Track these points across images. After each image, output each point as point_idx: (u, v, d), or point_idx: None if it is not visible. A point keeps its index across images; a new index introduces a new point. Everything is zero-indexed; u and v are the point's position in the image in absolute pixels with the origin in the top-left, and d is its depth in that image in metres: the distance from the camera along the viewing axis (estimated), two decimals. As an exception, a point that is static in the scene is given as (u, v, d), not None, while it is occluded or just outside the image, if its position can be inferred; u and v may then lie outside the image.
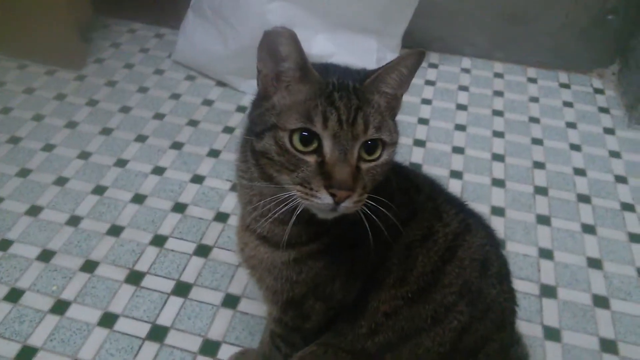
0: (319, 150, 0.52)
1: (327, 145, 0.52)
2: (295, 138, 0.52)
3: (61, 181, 1.16)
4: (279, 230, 0.61)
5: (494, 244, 0.67)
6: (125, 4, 1.65)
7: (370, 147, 0.53)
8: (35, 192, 1.13)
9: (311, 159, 0.52)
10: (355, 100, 0.52)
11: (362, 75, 0.55)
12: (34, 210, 1.09)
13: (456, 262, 0.62)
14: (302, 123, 0.52)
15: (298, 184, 0.52)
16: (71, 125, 1.31)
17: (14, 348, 0.87)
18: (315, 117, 0.51)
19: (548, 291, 0.98)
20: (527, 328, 0.90)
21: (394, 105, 0.57)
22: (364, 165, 0.53)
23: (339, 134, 0.51)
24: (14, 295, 0.94)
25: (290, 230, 0.57)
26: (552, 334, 0.91)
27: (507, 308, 0.68)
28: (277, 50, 0.53)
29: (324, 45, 1.30)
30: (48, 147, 1.24)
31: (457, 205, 0.67)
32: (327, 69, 0.56)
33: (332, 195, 0.51)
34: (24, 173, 1.17)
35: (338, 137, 0.51)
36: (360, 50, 1.32)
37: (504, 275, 0.67)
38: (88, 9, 1.57)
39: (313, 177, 0.52)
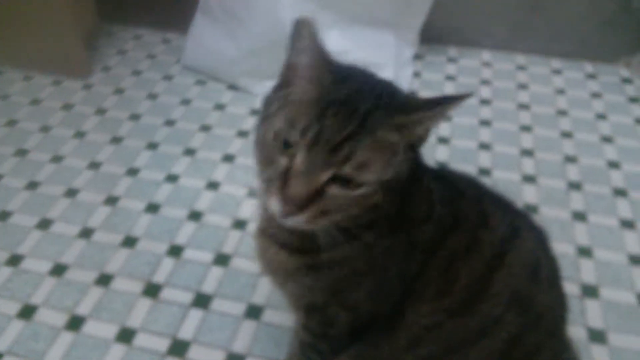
0: (292, 157, 0.49)
1: (299, 156, 0.48)
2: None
3: (71, 193, 1.12)
4: (293, 236, 0.58)
5: (544, 246, 0.63)
6: (130, 9, 1.62)
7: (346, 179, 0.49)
8: (45, 205, 1.09)
9: (283, 161, 0.49)
10: (351, 127, 0.47)
11: (394, 105, 0.50)
12: (45, 224, 1.05)
13: (505, 270, 0.57)
14: (286, 126, 0.49)
15: (265, 180, 0.51)
16: (80, 135, 1.27)
17: (29, 369, 0.82)
18: (298, 125, 0.48)
19: (589, 291, 0.92)
20: (570, 331, 0.85)
21: (418, 139, 0.52)
22: (333, 190, 0.48)
23: (314, 150, 0.47)
24: (28, 312, 0.90)
25: (305, 237, 0.54)
26: (597, 336, 0.86)
27: (559, 314, 0.63)
28: (298, 41, 0.51)
29: (338, 42, 1.25)
30: (57, 159, 1.20)
31: (503, 207, 0.62)
32: (346, 78, 0.51)
33: (282, 204, 0.48)
34: (32, 186, 1.13)
35: (312, 153, 0.47)
36: (376, 46, 1.27)
37: (554, 278, 0.63)
38: (93, 16, 1.54)
39: (276, 178, 0.49)
